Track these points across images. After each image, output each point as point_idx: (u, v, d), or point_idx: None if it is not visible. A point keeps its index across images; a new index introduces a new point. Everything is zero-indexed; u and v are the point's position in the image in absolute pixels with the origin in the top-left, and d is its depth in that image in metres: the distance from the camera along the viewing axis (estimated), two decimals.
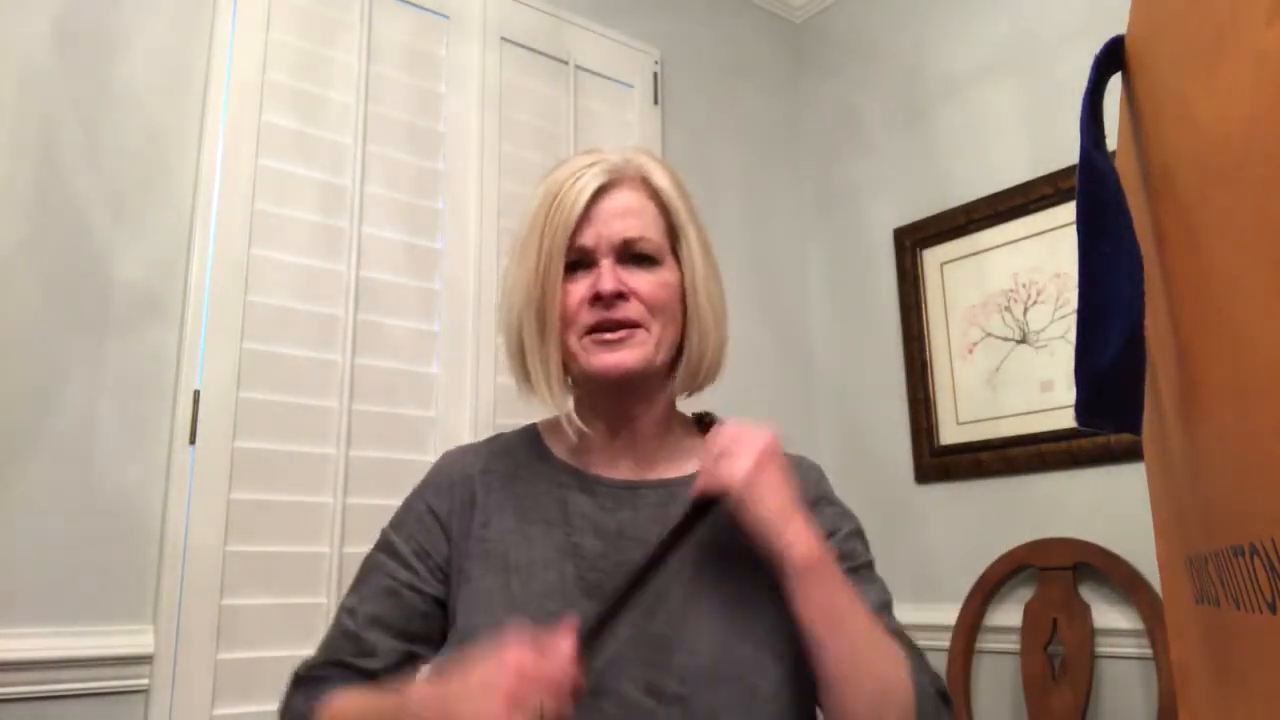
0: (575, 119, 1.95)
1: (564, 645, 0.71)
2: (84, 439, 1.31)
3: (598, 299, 0.88)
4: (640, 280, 0.90)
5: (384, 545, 0.96)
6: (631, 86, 2.08)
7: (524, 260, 0.91)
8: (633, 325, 0.89)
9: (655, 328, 0.90)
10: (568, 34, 1.99)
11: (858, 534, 0.96)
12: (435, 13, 1.79)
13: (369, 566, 0.96)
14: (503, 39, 1.87)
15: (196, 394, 1.39)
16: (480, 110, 1.80)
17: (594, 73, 2.01)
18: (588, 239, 0.90)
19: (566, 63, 1.97)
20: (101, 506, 1.31)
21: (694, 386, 0.97)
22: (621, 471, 0.94)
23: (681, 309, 0.93)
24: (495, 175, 1.78)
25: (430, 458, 1.58)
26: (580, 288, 0.90)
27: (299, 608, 1.42)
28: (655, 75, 2.13)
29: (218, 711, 1.32)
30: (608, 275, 0.88)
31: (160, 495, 1.35)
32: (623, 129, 2.04)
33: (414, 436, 1.60)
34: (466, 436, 1.64)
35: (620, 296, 0.88)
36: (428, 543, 0.94)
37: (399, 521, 0.97)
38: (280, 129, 1.55)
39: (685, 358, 0.94)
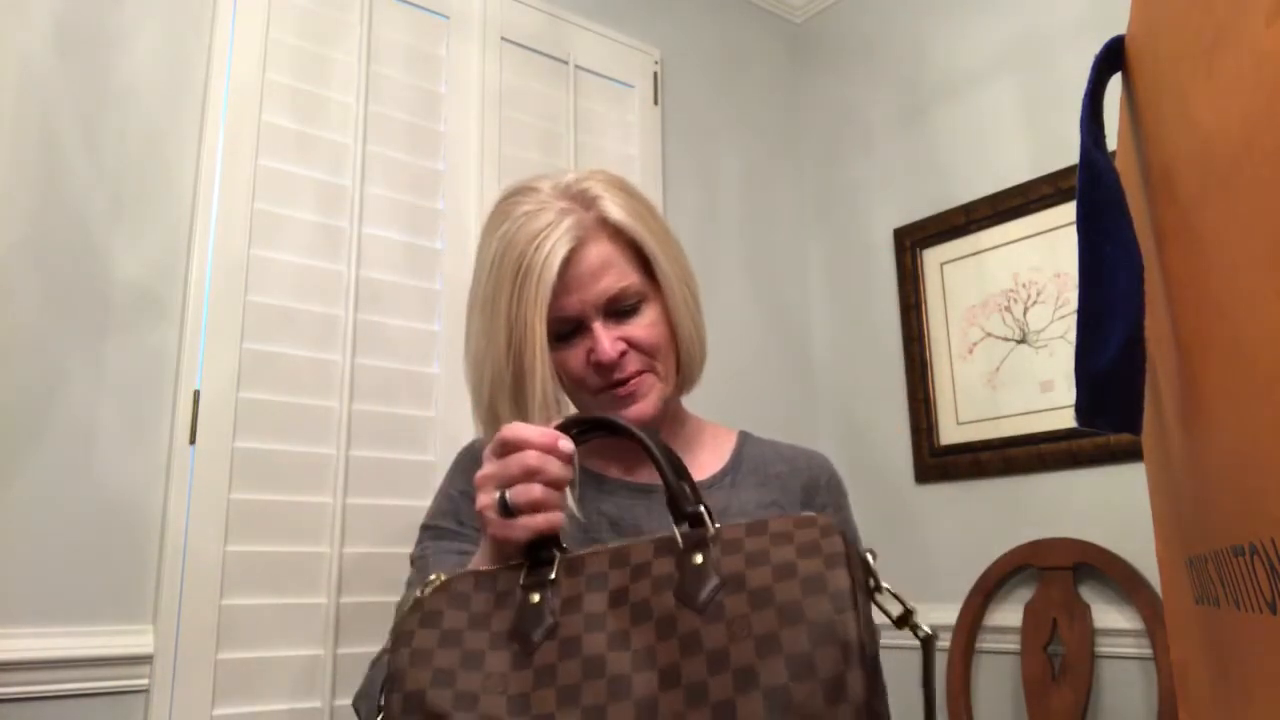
0: (575, 119, 1.95)
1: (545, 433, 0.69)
2: (84, 439, 1.31)
3: (600, 365, 0.88)
4: (633, 329, 0.90)
5: (434, 534, 0.95)
6: (631, 86, 2.08)
7: (491, 332, 0.89)
8: (639, 375, 0.90)
9: (660, 366, 0.92)
10: (568, 34, 1.99)
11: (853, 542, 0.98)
12: (435, 13, 1.79)
13: (425, 556, 0.94)
14: (503, 39, 1.87)
15: (196, 394, 1.39)
16: (480, 110, 1.80)
17: (594, 73, 2.01)
18: (571, 307, 0.88)
19: (566, 63, 1.97)
20: (101, 506, 1.31)
21: (690, 385, 0.99)
22: (638, 476, 0.96)
23: (671, 332, 0.93)
24: (495, 175, 1.78)
25: (430, 458, 1.58)
26: (578, 353, 0.90)
27: (299, 608, 1.42)
28: (655, 75, 2.13)
29: (218, 711, 1.32)
30: (604, 341, 0.88)
31: (160, 495, 1.35)
32: (623, 129, 2.04)
33: (414, 436, 1.60)
34: (466, 436, 1.64)
35: (621, 355, 0.88)
36: (471, 518, 0.93)
37: (438, 511, 0.98)
38: (280, 129, 1.55)
39: (682, 371, 0.95)
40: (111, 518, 1.31)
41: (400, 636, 0.63)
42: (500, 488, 0.68)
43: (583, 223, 0.89)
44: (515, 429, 0.70)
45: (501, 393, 0.89)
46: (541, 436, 0.69)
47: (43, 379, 1.29)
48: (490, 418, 0.91)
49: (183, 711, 1.29)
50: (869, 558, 0.62)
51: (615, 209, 0.91)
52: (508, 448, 0.70)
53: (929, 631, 0.62)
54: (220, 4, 1.53)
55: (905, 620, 0.62)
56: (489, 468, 0.70)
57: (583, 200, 0.91)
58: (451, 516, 0.96)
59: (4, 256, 1.29)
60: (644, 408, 0.90)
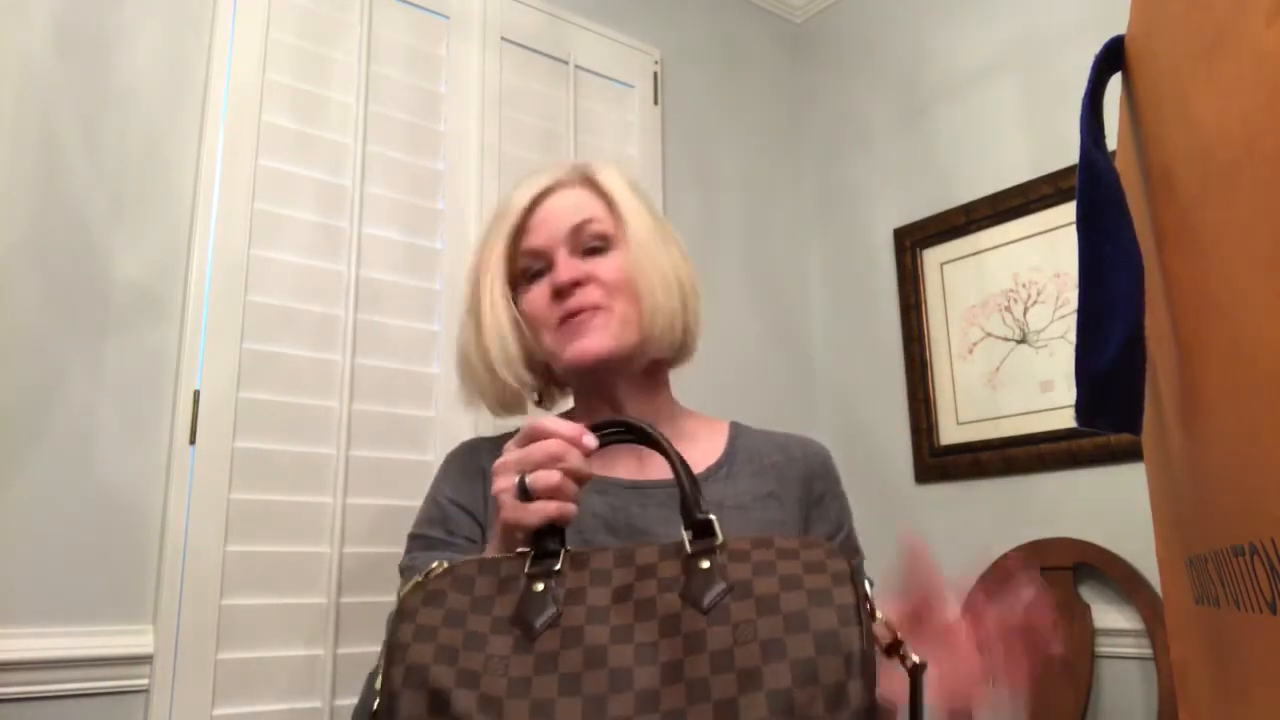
0: (575, 119, 1.94)
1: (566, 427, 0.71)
2: (84, 439, 1.31)
3: (558, 294, 0.89)
4: (597, 265, 0.91)
5: (422, 544, 0.95)
6: (631, 86, 2.08)
7: (482, 278, 0.94)
8: (594, 309, 0.90)
9: (618, 307, 0.91)
10: (568, 34, 1.99)
11: (851, 529, 0.99)
12: (435, 13, 1.79)
13: (413, 567, 0.92)
14: (503, 39, 1.87)
15: (196, 394, 1.39)
16: (480, 110, 1.80)
17: (594, 73, 2.01)
18: (538, 240, 0.92)
19: (566, 63, 1.97)
20: (101, 506, 1.31)
21: (660, 360, 0.97)
22: (624, 470, 0.95)
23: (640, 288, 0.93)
24: (495, 175, 1.78)
25: (430, 458, 1.58)
26: (543, 288, 0.92)
27: (299, 608, 1.42)
28: (655, 75, 2.13)
29: (218, 711, 1.32)
30: (563, 266, 0.90)
31: (160, 495, 1.35)
32: (623, 129, 2.04)
33: (414, 436, 1.60)
34: (466, 436, 1.64)
35: (577, 284, 0.89)
36: (468, 531, 0.94)
37: (428, 519, 0.98)
38: (280, 129, 1.55)
39: (640, 332, 0.92)
40: (111, 518, 1.31)
41: (403, 612, 0.63)
42: (520, 472, 0.69)
43: (567, 174, 0.94)
44: (543, 421, 0.71)
45: (469, 344, 0.93)
46: (569, 429, 0.70)
47: (43, 379, 1.29)
48: (465, 374, 0.96)
49: (183, 711, 1.29)
50: (867, 585, 0.63)
51: (605, 176, 0.95)
52: (534, 436, 0.71)
53: (918, 661, 0.61)
54: (220, 4, 1.53)
55: (895, 649, 0.62)
56: (511, 454, 0.71)
57: (576, 168, 0.96)
58: (440, 525, 0.95)
59: (4, 256, 1.29)
60: (592, 342, 0.89)
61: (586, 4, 2.04)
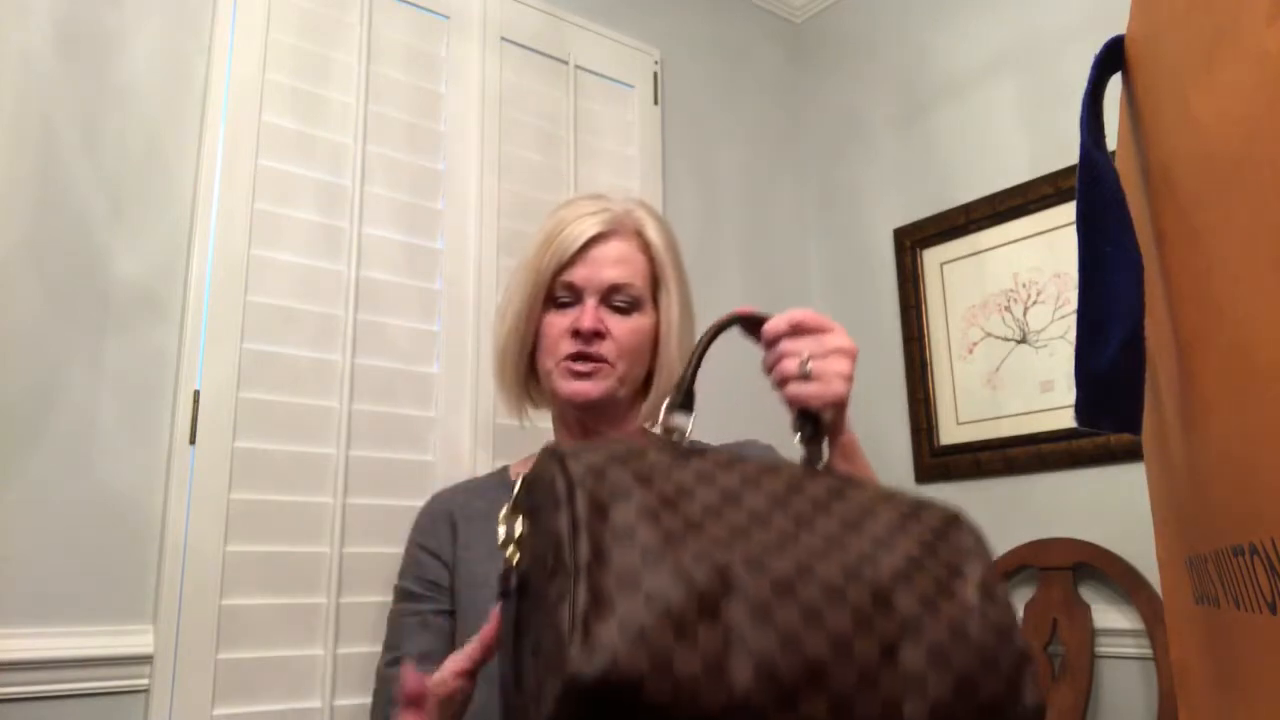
0: (575, 119, 1.94)
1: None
2: (83, 439, 1.31)
3: (577, 333, 0.99)
4: (618, 324, 1.00)
5: (399, 595, 1.07)
6: (631, 86, 2.08)
7: (518, 289, 1.04)
8: (602, 361, 0.99)
9: (622, 366, 1.01)
10: (568, 34, 1.99)
11: None
12: (435, 13, 1.79)
13: (394, 619, 1.06)
14: (503, 39, 1.87)
15: (196, 394, 1.39)
16: (480, 110, 1.80)
17: (594, 73, 2.01)
18: (578, 277, 1.00)
19: (566, 63, 1.97)
20: (101, 506, 1.31)
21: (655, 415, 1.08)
22: None
23: (652, 351, 1.04)
24: (495, 175, 1.78)
25: (430, 458, 1.58)
26: (564, 320, 1.01)
27: (299, 608, 1.42)
28: (655, 75, 2.13)
29: (218, 711, 1.32)
30: (589, 314, 0.99)
31: (160, 495, 1.35)
32: (623, 129, 2.04)
33: (414, 436, 1.60)
34: (466, 437, 1.64)
35: (597, 335, 0.99)
36: (434, 575, 1.04)
37: (404, 569, 1.09)
38: (280, 129, 1.55)
39: (653, 394, 1.05)
40: (111, 518, 1.31)
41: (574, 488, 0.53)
42: None
43: (622, 221, 1.02)
44: None
45: (513, 337, 1.05)
46: None
47: (43, 379, 1.29)
48: (500, 361, 1.08)
49: (183, 711, 1.29)
50: None
51: (653, 229, 1.05)
52: None
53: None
54: (220, 4, 1.53)
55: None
56: None
57: (631, 214, 1.05)
58: (412, 576, 1.06)
59: (4, 256, 1.29)
60: (587, 388, 0.99)
61: (586, 4, 2.04)
